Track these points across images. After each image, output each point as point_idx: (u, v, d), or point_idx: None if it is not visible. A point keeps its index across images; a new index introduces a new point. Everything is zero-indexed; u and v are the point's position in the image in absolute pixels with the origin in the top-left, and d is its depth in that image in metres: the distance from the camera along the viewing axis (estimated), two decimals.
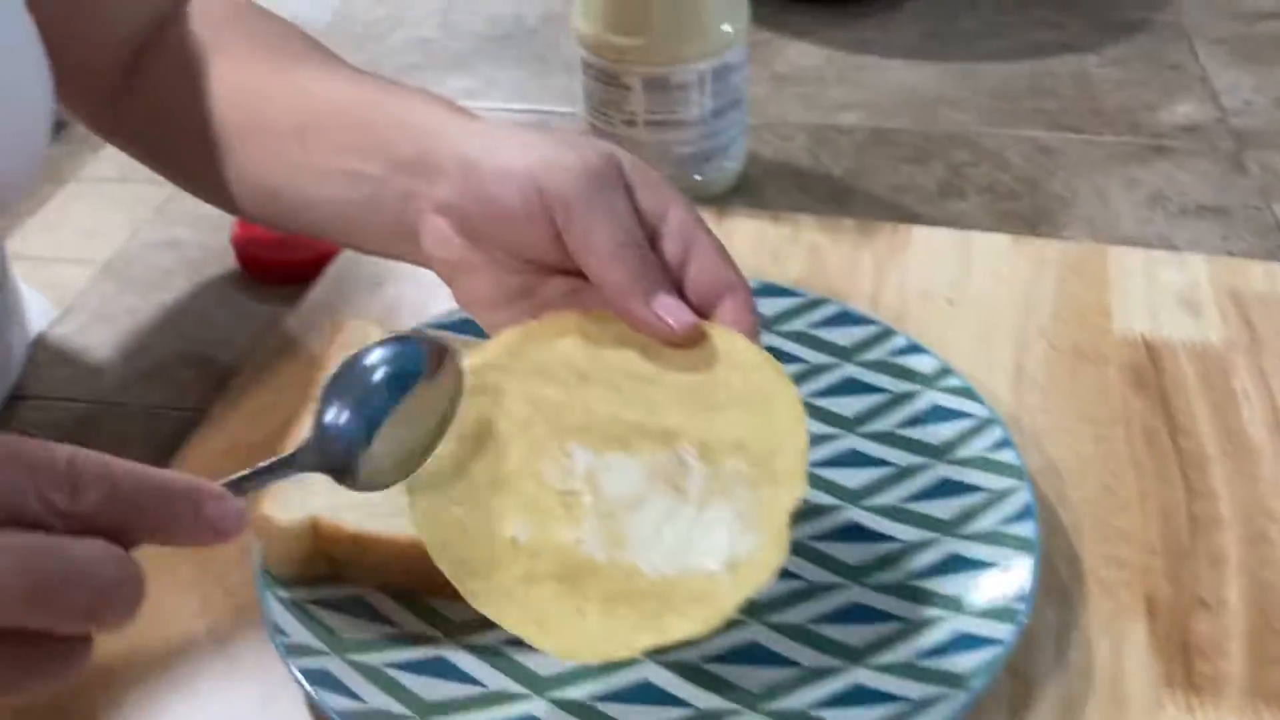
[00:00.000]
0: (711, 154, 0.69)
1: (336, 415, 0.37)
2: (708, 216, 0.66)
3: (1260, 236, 0.67)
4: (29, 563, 0.28)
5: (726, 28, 0.66)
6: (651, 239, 0.42)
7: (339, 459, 0.36)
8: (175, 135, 0.56)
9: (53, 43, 0.51)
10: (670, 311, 0.40)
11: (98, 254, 0.72)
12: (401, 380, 0.38)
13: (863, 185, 0.72)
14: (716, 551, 0.37)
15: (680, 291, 0.41)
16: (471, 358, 0.41)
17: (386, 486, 0.37)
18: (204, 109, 0.53)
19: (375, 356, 0.38)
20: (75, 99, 0.56)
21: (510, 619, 0.36)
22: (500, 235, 0.43)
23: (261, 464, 0.35)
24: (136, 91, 0.57)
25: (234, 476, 0.34)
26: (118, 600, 0.29)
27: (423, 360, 0.39)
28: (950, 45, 0.87)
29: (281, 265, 0.67)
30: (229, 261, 0.68)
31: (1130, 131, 0.77)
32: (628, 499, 0.38)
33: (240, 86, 0.53)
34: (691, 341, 0.40)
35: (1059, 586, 0.45)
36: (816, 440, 0.50)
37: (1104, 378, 0.55)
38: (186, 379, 0.61)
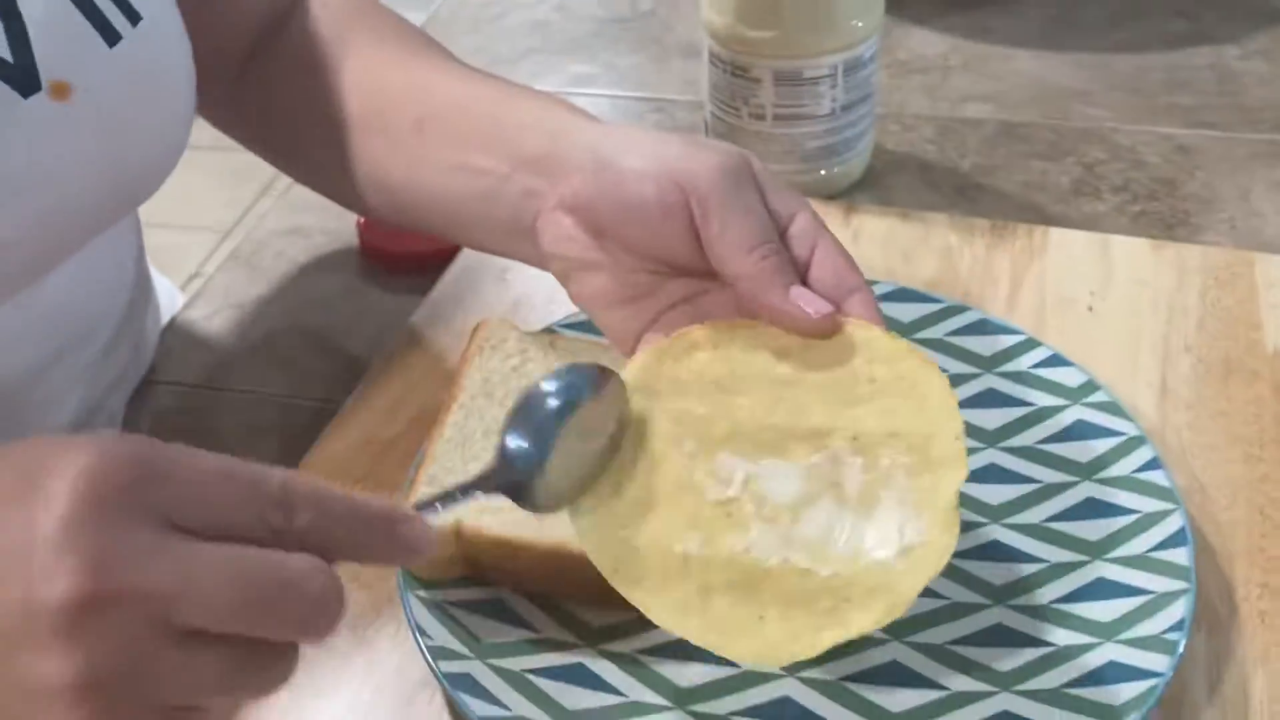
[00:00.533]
0: (840, 149, 0.68)
1: (515, 441, 0.38)
2: (836, 212, 0.66)
3: None
4: (247, 572, 0.29)
5: (859, 22, 0.64)
6: (779, 239, 0.42)
7: (519, 482, 0.37)
8: (293, 125, 0.56)
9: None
10: (808, 301, 0.41)
11: (187, 220, 0.73)
12: (569, 406, 0.39)
13: (993, 182, 0.70)
14: (887, 542, 0.37)
15: None
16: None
17: (563, 508, 0.38)
18: (323, 100, 0.54)
19: (546, 386, 0.39)
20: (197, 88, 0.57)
21: (693, 631, 0.37)
22: (632, 232, 0.43)
23: (448, 487, 0.37)
24: (255, 81, 0.57)
25: (423, 499, 0.35)
26: (326, 612, 0.30)
27: (588, 385, 0.39)
28: (1078, 35, 0.84)
29: (407, 255, 0.67)
30: (354, 250, 0.69)
31: (1275, 129, 0.74)
32: (790, 502, 0.38)
33: (361, 79, 0.54)
34: (829, 331, 0.41)
35: (1211, 614, 0.44)
36: None
37: (1256, 394, 0.53)
38: (315, 369, 0.62)
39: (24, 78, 0.44)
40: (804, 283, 0.42)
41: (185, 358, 0.64)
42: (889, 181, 0.71)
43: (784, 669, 0.41)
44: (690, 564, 0.37)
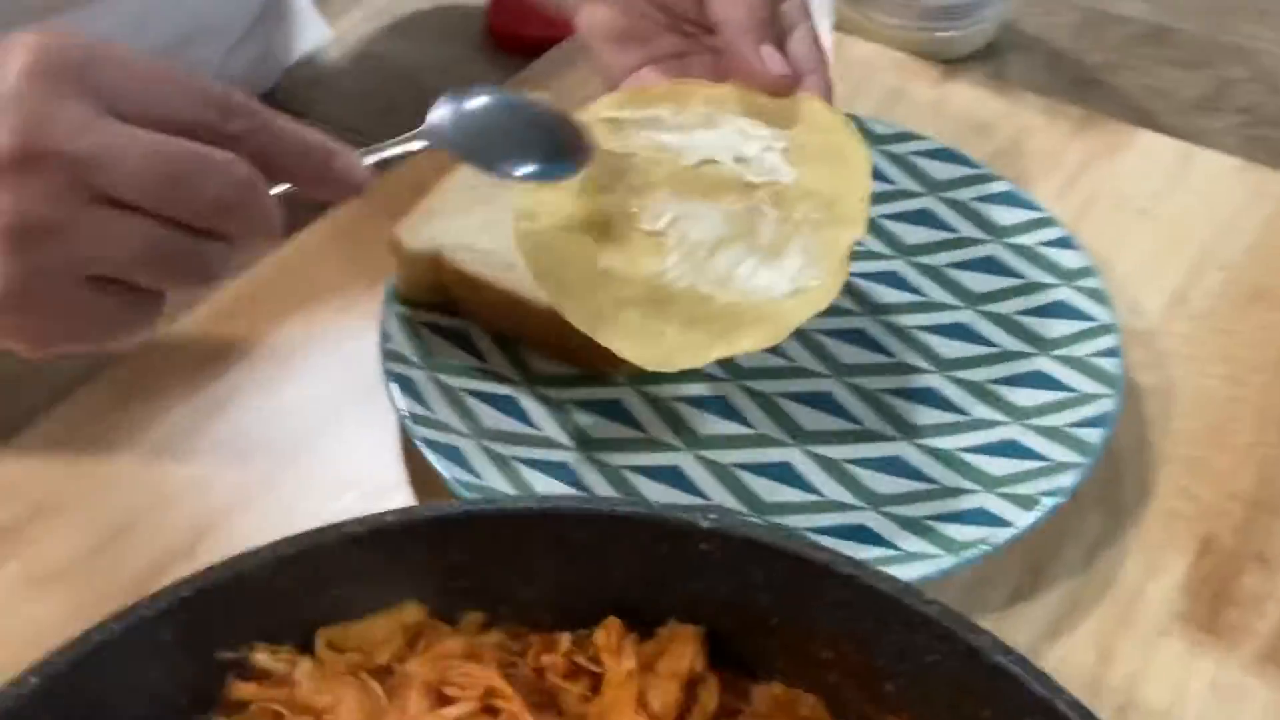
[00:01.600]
0: (958, 13, 0.67)
1: (475, 102, 0.42)
2: (931, 73, 0.65)
3: None
4: (169, 150, 0.32)
5: None
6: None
7: (470, 142, 0.41)
8: None
9: None
10: (771, 57, 0.45)
11: None
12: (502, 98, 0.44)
13: (1116, 81, 0.68)
14: (783, 283, 0.41)
15: None
16: (581, 114, 0.46)
17: (505, 176, 0.42)
18: None
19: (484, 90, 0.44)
20: None
21: (603, 335, 0.41)
22: None
23: (396, 139, 0.40)
24: None
25: (366, 150, 0.39)
26: (246, 203, 0.33)
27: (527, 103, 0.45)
28: None
29: (522, 37, 0.71)
30: (481, 27, 0.74)
31: None
32: (708, 240, 0.43)
33: None
34: (781, 90, 0.45)
35: (1117, 500, 0.45)
36: (930, 307, 0.50)
37: (1269, 324, 0.52)
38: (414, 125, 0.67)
39: None
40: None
41: (307, 92, 0.70)
42: (1008, 59, 0.70)
43: (680, 443, 0.45)
44: (610, 278, 0.42)
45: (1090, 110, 0.64)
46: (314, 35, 0.76)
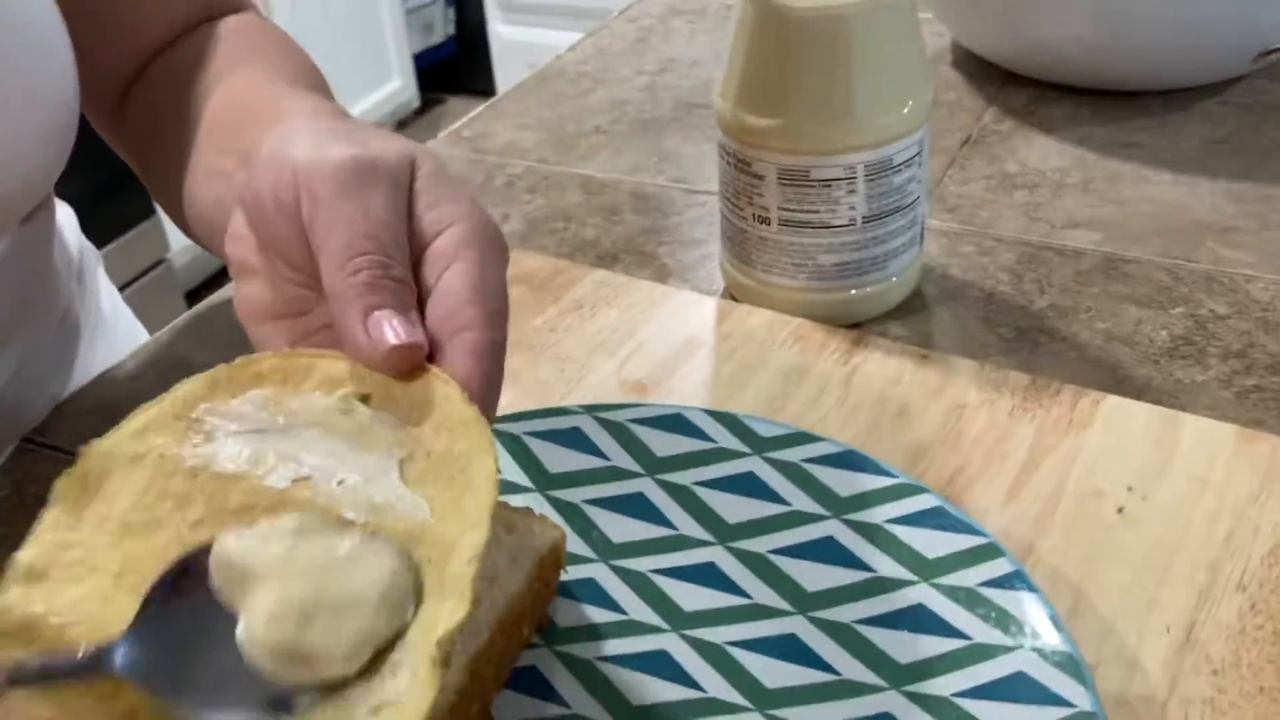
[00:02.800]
0: (865, 267, 0.55)
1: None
2: (840, 343, 0.53)
3: None
4: None
5: (892, 114, 0.52)
6: (416, 260, 0.35)
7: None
8: (155, 142, 0.54)
9: (74, 40, 0.50)
10: (381, 331, 0.33)
11: None
12: None
13: (1069, 328, 0.56)
14: (371, 689, 0.29)
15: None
16: (136, 415, 0.34)
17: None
18: (178, 120, 0.51)
19: None
20: (87, 98, 0.55)
21: None
22: (263, 231, 0.37)
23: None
24: (132, 101, 0.56)
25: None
26: None
27: None
28: (1241, 159, 0.68)
29: None
30: None
31: None
32: None
33: (190, 99, 0.51)
34: (398, 369, 0.33)
35: None
36: (842, 691, 0.36)
37: None
38: None
39: None
40: (421, 311, 0.34)
41: (83, 421, 0.58)
42: (937, 313, 0.58)
43: None
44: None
45: (1040, 374, 0.51)
46: (126, 342, 0.64)
